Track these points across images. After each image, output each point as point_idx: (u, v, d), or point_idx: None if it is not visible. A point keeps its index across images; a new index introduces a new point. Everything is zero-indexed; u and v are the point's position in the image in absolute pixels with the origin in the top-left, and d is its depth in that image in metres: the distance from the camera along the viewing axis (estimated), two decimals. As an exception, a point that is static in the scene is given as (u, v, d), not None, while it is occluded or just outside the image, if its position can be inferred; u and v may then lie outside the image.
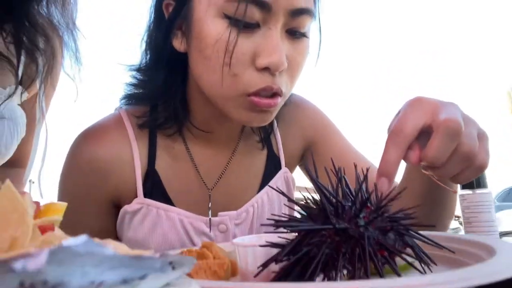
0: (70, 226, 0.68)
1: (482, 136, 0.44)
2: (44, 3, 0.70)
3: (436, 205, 0.59)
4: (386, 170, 0.40)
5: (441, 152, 0.39)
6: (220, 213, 0.67)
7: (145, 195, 0.64)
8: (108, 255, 0.15)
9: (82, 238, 0.15)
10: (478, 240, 0.36)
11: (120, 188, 0.64)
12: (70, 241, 0.14)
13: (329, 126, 0.79)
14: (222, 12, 0.52)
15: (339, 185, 0.37)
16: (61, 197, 0.66)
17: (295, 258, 0.31)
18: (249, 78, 0.54)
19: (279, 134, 0.76)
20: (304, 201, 0.37)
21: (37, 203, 0.36)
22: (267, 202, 0.72)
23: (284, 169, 0.76)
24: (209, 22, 0.53)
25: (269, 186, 0.72)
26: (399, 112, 0.44)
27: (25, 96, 0.72)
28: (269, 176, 0.74)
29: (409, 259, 0.31)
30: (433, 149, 0.39)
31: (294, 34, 0.56)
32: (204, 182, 0.68)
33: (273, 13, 0.52)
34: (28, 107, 0.74)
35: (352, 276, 0.31)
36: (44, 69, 0.70)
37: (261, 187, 0.73)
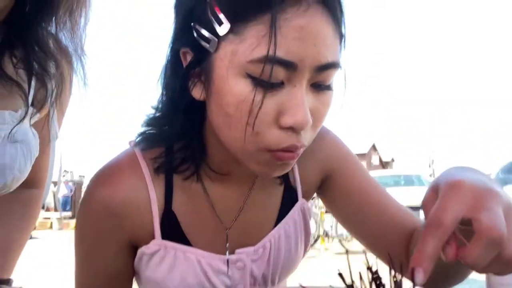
0: (88, 269, 0.68)
1: None
2: (53, 28, 0.68)
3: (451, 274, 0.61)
4: (424, 263, 0.39)
5: (481, 259, 0.38)
6: (237, 251, 0.67)
7: (163, 236, 0.64)
8: None
9: None
10: None
11: (138, 231, 0.64)
12: None
13: (348, 156, 0.77)
14: (245, 72, 0.50)
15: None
16: (78, 241, 0.66)
17: None
18: (272, 137, 0.52)
19: (296, 166, 0.75)
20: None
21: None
22: (283, 236, 0.72)
23: (301, 200, 0.75)
24: (231, 81, 0.51)
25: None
26: (436, 190, 0.43)
27: (36, 117, 0.73)
28: (286, 209, 0.73)
29: None
30: (474, 256, 0.38)
31: (319, 87, 0.53)
32: (221, 221, 0.68)
33: (298, 71, 0.49)
34: (38, 129, 0.74)
35: None
36: (54, 92, 0.71)
37: (278, 220, 0.72)
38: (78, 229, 0.65)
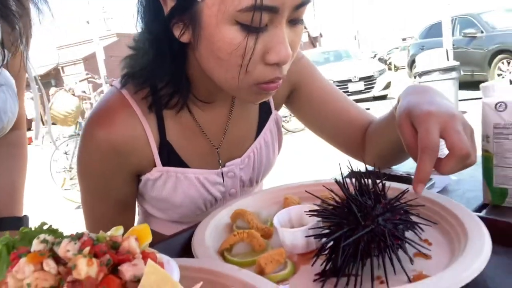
0: (97, 199, 0.77)
1: (472, 134, 0.54)
2: None
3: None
4: (424, 178, 0.51)
5: (453, 170, 0.52)
6: (227, 163, 0.78)
7: (163, 163, 0.72)
8: None
9: None
10: (456, 214, 0.52)
11: (140, 162, 0.71)
12: None
13: (311, 68, 0.87)
14: (234, 20, 0.53)
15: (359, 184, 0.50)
16: (85, 177, 0.72)
17: (336, 257, 0.45)
18: (259, 72, 0.58)
19: None
20: (332, 199, 0.51)
21: (135, 238, 0.45)
22: (264, 145, 0.84)
23: (274, 112, 0.85)
24: (222, 29, 0.54)
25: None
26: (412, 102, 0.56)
27: (9, 59, 0.72)
28: (263, 122, 0.84)
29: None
30: (448, 168, 0.51)
31: (295, 22, 0.59)
32: (211, 141, 0.77)
33: (280, 13, 0.54)
34: (14, 70, 0.75)
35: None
36: (24, 33, 0.70)
37: (258, 132, 0.83)
38: (84, 166, 0.71)
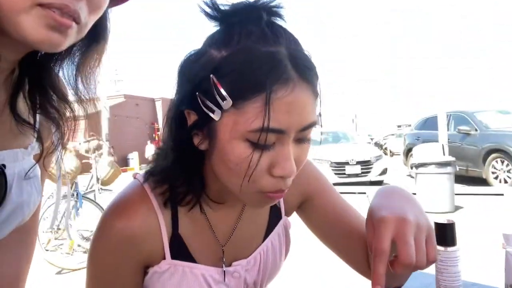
0: (104, 285, 0.75)
1: (430, 234, 0.61)
2: (71, 73, 0.69)
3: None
4: (379, 280, 0.56)
5: (404, 272, 0.59)
6: (233, 263, 0.79)
7: (172, 256, 0.73)
8: None
9: None
10: None
11: (151, 254, 0.72)
12: None
13: (323, 180, 0.91)
14: (245, 138, 0.60)
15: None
16: (94, 267, 0.72)
17: None
18: (265, 183, 0.63)
19: None
20: None
21: None
22: (271, 249, 0.85)
23: (284, 218, 0.87)
24: (233, 144, 0.61)
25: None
26: (377, 205, 0.64)
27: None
28: (272, 225, 0.86)
29: None
30: (399, 272, 0.58)
31: (302, 141, 0.65)
32: (219, 240, 0.78)
33: (286, 134, 0.60)
34: (46, 165, 0.77)
35: None
36: (65, 134, 0.73)
37: (266, 235, 0.84)
38: (94, 256, 0.71)
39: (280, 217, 0.87)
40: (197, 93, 0.62)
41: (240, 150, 0.60)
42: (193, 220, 0.76)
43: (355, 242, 0.85)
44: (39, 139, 0.71)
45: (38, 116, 0.71)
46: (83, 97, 0.70)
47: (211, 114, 0.61)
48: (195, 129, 0.65)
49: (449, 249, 0.79)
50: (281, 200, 0.87)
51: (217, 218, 0.78)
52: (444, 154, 6.26)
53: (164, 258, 0.73)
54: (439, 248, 0.80)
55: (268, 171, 0.62)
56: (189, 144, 0.67)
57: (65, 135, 0.72)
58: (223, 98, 0.59)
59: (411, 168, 6.61)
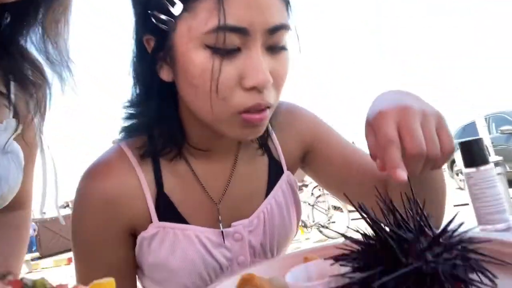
0: (90, 262, 0.69)
1: (440, 122, 0.51)
2: (38, 38, 0.68)
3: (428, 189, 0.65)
4: (396, 163, 0.46)
5: (414, 168, 0.49)
6: (233, 223, 0.70)
7: (160, 219, 0.66)
8: None
9: None
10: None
11: (135, 217, 0.66)
12: None
13: (325, 127, 0.82)
14: (204, 43, 0.54)
15: (390, 214, 0.37)
16: (77, 238, 0.67)
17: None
18: (238, 99, 0.56)
19: (276, 139, 0.78)
20: (361, 235, 0.37)
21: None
22: (275, 206, 0.74)
23: (286, 172, 0.78)
24: (192, 54, 0.55)
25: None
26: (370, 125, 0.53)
27: (20, 129, 0.71)
28: (273, 181, 0.76)
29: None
30: (409, 168, 0.47)
31: (274, 49, 0.58)
32: (211, 197, 0.70)
33: (251, 35, 0.54)
34: (28, 138, 0.73)
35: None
36: (42, 103, 0.71)
37: (267, 193, 0.75)
38: (77, 224, 0.66)
39: (281, 172, 0.77)
40: (148, 11, 0.58)
41: (201, 59, 0.55)
42: (180, 177, 0.69)
43: (370, 187, 0.74)
44: (16, 114, 0.68)
45: (12, 89, 0.69)
46: (54, 60, 0.68)
47: (165, 28, 0.57)
48: (156, 54, 0.60)
49: (482, 168, 0.67)
50: (280, 153, 0.78)
51: (207, 174, 0.71)
52: (489, 155, 5.86)
53: (151, 222, 0.66)
54: (470, 170, 0.68)
55: (238, 84, 0.56)
56: (155, 78, 0.61)
57: (41, 103, 0.69)
58: (173, 3, 0.55)
59: (457, 175, 6.20)
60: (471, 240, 0.35)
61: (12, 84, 0.69)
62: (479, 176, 0.66)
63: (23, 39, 0.68)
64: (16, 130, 0.68)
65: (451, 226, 0.36)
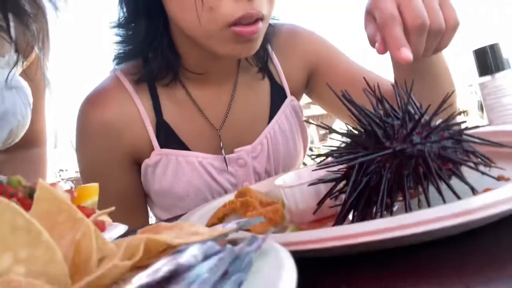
0: (100, 190, 0.71)
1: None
2: None
3: (430, 76, 0.61)
4: (400, 41, 0.44)
5: (418, 45, 0.46)
6: (235, 149, 0.69)
7: (161, 146, 0.66)
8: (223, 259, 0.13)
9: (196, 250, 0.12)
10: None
11: (136, 144, 0.66)
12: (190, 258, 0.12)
13: (330, 47, 0.77)
14: None
15: (378, 105, 0.35)
16: (82, 167, 0.68)
17: (358, 190, 0.29)
18: (225, 8, 0.52)
19: (278, 63, 0.75)
20: (345, 129, 0.35)
21: (70, 191, 0.34)
22: (279, 132, 0.73)
23: (290, 97, 0.75)
24: None
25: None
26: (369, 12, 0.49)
27: (25, 64, 0.72)
28: (276, 106, 0.74)
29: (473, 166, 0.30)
30: (412, 44, 0.45)
31: None
32: (211, 123, 0.69)
33: None
34: (31, 74, 0.73)
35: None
36: (40, 34, 0.69)
37: (270, 118, 0.73)
38: (80, 153, 0.67)
39: (284, 97, 0.75)
40: None
41: None
42: (178, 104, 0.68)
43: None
44: (17, 49, 0.68)
45: (12, 25, 0.68)
46: None
47: None
48: None
49: (497, 75, 0.62)
50: (282, 77, 0.75)
51: (206, 100, 0.69)
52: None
53: (153, 150, 0.66)
54: (485, 79, 0.63)
55: None
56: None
57: (39, 34, 0.68)
58: None
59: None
60: (464, 126, 0.32)
61: (10, 17, 0.68)
62: (493, 83, 0.62)
63: None
64: (17, 63, 0.68)
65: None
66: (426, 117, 0.32)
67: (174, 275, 0.14)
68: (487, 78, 0.62)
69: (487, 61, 0.62)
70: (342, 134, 0.34)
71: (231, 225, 0.22)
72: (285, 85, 0.75)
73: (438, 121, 0.32)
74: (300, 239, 0.23)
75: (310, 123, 0.51)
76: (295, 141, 0.75)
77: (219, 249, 0.15)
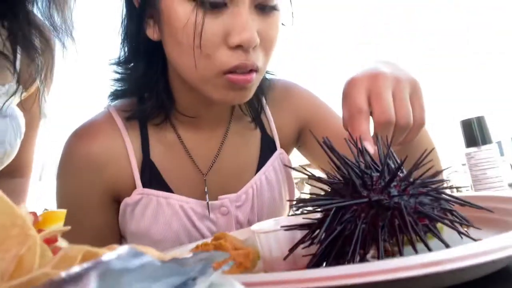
0: (72, 226, 0.67)
1: (415, 91, 0.48)
2: (45, 4, 0.69)
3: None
4: (364, 134, 0.44)
5: (384, 134, 0.45)
6: (220, 196, 0.67)
7: (144, 186, 0.64)
8: (157, 265, 0.12)
9: (125, 250, 0.12)
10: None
11: (118, 181, 0.64)
12: (113, 256, 0.11)
13: (322, 106, 0.79)
14: None
15: (359, 156, 0.35)
16: (60, 198, 0.66)
17: (330, 238, 0.28)
18: (222, 57, 0.54)
19: (271, 116, 0.76)
20: (326, 176, 0.35)
21: (34, 214, 0.33)
22: (265, 183, 0.72)
23: (279, 150, 0.75)
24: (176, 7, 0.54)
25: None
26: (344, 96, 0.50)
27: (23, 95, 0.72)
28: (265, 158, 0.74)
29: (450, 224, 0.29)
30: (379, 133, 0.44)
31: (264, 9, 0.56)
32: (199, 167, 0.68)
33: None
34: (28, 105, 0.73)
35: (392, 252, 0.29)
36: (44, 68, 0.71)
37: (258, 169, 0.72)
38: (60, 187, 0.66)
39: (274, 149, 0.75)
40: None
41: (184, 11, 0.53)
42: (167, 145, 0.68)
43: None
44: (18, 80, 0.70)
45: (18, 57, 0.70)
46: (58, 27, 0.68)
47: None
48: (144, 10, 0.59)
49: (483, 147, 0.63)
50: (273, 129, 0.76)
51: (196, 144, 0.69)
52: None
53: (135, 188, 0.64)
54: (471, 150, 0.64)
55: (224, 41, 0.54)
56: (143, 37, 0.61)
57: (43, 69, 0.70)
58: None
59: None
60: (444, 182, 0.32)
61: (18, 50, 0.70)
62: (480, 156, 0.63)
63: (29, 4, 0.70)
64: (15, 93, 0.69)
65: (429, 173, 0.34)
66: (405, 171, 0.32)
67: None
68: (473, 149, 0.63)
69: (473, 133, 0.64)
70: (321, 181, 0.34)
71: (190, 255, 0.21)
72: (276, 137, 0.75)
73: (418, 177, 0.32)
74: (254, 280, 0.21)
75: (290, 167, 0.51)
76: (281, 193, 0.74)
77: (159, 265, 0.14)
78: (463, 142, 0.66)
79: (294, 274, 0.22)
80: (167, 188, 0.65)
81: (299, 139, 0.79)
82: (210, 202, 0.66)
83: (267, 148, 0.74)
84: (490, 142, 0.63)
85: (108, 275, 0.10)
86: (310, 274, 0.21)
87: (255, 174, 0.71)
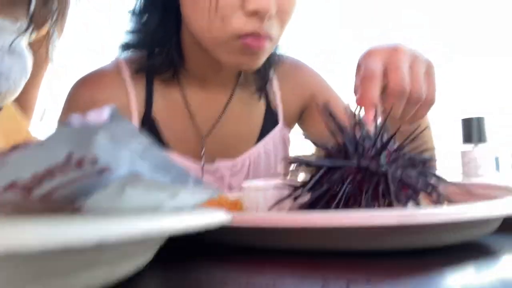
0: None
1: (429, 70, 0.49)
2: None
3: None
4: (371, 100, 0.43)
5: (395, 107, 0.46)
6: (217, 161, 0.69)
7: None
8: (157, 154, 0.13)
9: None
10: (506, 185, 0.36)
11: None
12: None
13: (328, 88, 0.80)
14: None
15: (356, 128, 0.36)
16: None
17: (316, 195, 0.30)
18: (237, 21, 0.54)
19: (278, 89, 0.77)
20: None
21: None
22: (263, 155, 0.73)
23: (281, 124, 0.76)
24: None
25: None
26: (359, 66, 0.49)
27: (33, 36, 0.72)
28: (266, 130, 0.75)
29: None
30: (394, 108, 0.46)
31: None
32: (200, 129, 0.69)
33: None
34: (36, 48, 0.73)
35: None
36: (57, 12, 0.70)
37: (259, 140, 0.74)
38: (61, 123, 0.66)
39: (276, 124, 0.76)
40: None
41: None
42: (170, 102, 0.68)
43: None
44: (31, 18, 0.70)
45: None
46: None
47: None
48: None
49: (479, 145, 0.64)
50: (279, 103, 0.76)
51: (199, 104, 0.70)
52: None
53: None
54: (467, 147, 0.65)
55: (240, 6, 0.54)
56: None
57: (56, 11, 0.69)
58: None
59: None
60: (433, 160, 0.33)
61: None
62: (474, 154, 0.64)
63: None
64: (26, 30, 0.69)
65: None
66: (397, 145, 0.33)
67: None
68: (469, 146, 0.64)
69: (470, 130, 0.64)
70: (316, 145, 0.35)
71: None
72: (280, 111, 0.76)
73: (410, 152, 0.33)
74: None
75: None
76: (276, 168, 0.75)
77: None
78: (459, 142, 0.67)
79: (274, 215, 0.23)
80: (164, 145, 0.66)
81: (301, 116, 0.80)
82: (205, 165, 0.68)
83: (270, 122, 0.75)
84: (485, 141, 0.64)
85: (115, 125, 0.11)
86: (291, 215, 0.22)
87: (255, 145, 0.73)
